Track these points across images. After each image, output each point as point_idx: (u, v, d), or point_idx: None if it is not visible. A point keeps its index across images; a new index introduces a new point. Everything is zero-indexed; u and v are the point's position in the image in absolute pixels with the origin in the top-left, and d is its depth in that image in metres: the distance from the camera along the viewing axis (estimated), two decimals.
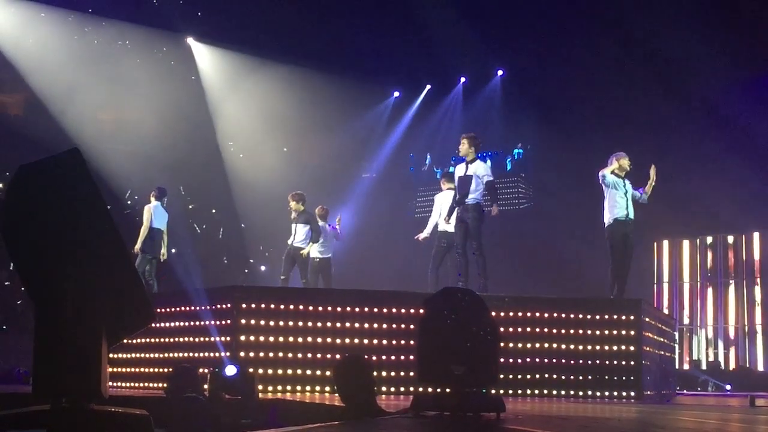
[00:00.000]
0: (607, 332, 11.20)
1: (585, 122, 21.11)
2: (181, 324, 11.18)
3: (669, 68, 19.60)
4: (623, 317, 11.27)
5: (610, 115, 21.00)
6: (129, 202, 23.89)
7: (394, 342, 10.52)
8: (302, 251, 14.70)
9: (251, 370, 9.42)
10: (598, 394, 11.02)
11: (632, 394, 11.05)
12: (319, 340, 10.39)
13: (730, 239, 21.30)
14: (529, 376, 10.90)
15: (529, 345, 10.95)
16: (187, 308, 11.24)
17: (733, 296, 21.08)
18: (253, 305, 10.37)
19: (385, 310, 10.66)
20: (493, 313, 6.66)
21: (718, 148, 19.84)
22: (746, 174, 19.52)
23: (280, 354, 10.26)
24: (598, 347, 11.13)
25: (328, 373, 9.80)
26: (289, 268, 14.92)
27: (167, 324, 11.20)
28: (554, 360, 11.00)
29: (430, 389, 9.02)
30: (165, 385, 8.92)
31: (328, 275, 15.49)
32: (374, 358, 10.07)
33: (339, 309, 10.56)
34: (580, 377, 11.03)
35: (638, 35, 19.49)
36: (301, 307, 10.45)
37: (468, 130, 24.08)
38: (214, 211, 25.56)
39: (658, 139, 20.39)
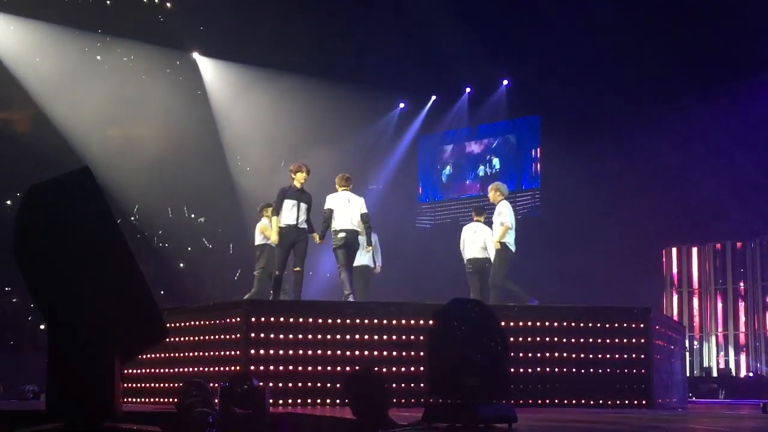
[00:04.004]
0: (617, 340, 11.19)
1: (591, 131, 21.09)
2: (192, 338, 11.19)
3: (676, 72, 19.59)
4: (633, 325, 11.26)
5: (617, 123, 20.99)
6: (137, 217, 23.95)
7: (404, 353, 10.52)
8: (314, 236, 12.77)
9: (262, 383, 9.42)
10: (610, 402, 11.00)
11: (643, 402, 11.03)
12: (330, 352, 10.40)
13: (739, 245, 21.23)
14: (540, 386, 10.88)
15: (539, 354, 10.94)
16: (198, 323, 11.26)
17: (742, 302, 21.01)
18: (263, 319, 10.38)
19: (394, 322, 10.67)
20: (503, 323, 6.66)
21: (727, 153, 19.81)
22: (755, 179, 19.49)
23: (291, 367, 10.27)
24: (608, 355, 11.12)
25: (339, 385, 9.80)
26: (287, 258, 12.45)
27: (178, 338, 11.21)
28: (565, 369, 10.99)
29: (441, 401, 9.02)
30: (176, 400, 8.91)
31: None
32: (385, 369, 10.06)
33: (349, 321, 10.57)
34: (591, 386, 11.02)
35: (644, 42, 19.48)
36: (310, 320, 10.47)
37: (473, 139, 24.04)
38: (220, 230, 25.58)
39: (665, 145, 20.37)
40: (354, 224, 12.60)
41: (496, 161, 24.79)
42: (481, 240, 13.46)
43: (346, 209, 12.67)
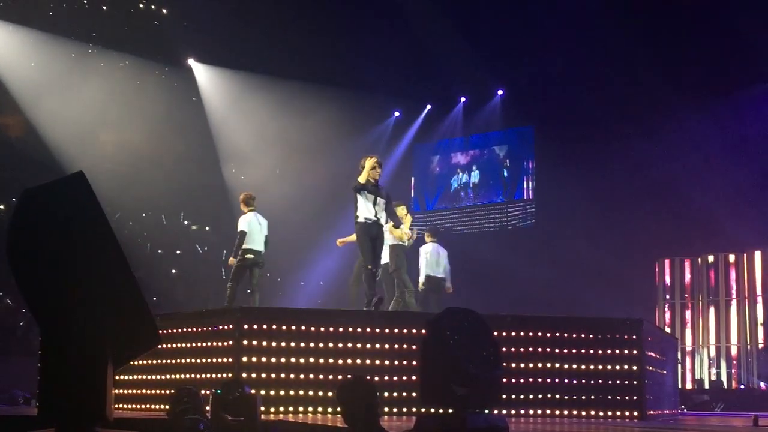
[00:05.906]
0: (609, 352, 11.19)
1: (585, 142, 21.13)
2: (184, 345, 11.17)
3: (671, 85, 19.63)
4: (625, 337, 11.26)
5: (611, 134, 21.03)
6: (130, 223, 23.92)
7: (396, 362, 10.51)
8: (401, 237, 12.77)
9: (253, 391, 9.40)
10: (601, 414, 11.00)
11: (635, 413, 11.03)
12: (322, 360, 10.38)
13: (732, 258, 21.27)
14: (531, 396, 10.87)
15: (531, 365, 10.94)
16: (190, 329, 11.23)
17: (735, 315, 21.04)
18: (255, 326, 10.36)
19: (387, 331, 10.65)
20: (495, 333, 6.66)
21: (720, 165, 19.85)
22: (748, 191, 19.53)
23: (283, 375, 10.25)
24: (600, 367, 11.11)
25: (330, 394, 9.79)
26: (374, 252, 11.78)
27: (170, 345, 11.19)
28: (557, 380, 10.98)
29: (432, 410, 9.01)
30: (167, 406, 8.88)
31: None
32: (377, 378, 10.05)
33: (341, 329, 10.55)
34: (583, 397, 11.01)
35: (638, 54, 19.53)
36: (303, 327, 10.45)
37: (467, 149, 23.96)
38: (213, 237, 25.53)
39: (659, 156, 20.41)
40: (262, 245, 13.54)
41: (479, 172, 24.79)
42: (443, 260, 14.51)
43: (258, 230, 13.55)
